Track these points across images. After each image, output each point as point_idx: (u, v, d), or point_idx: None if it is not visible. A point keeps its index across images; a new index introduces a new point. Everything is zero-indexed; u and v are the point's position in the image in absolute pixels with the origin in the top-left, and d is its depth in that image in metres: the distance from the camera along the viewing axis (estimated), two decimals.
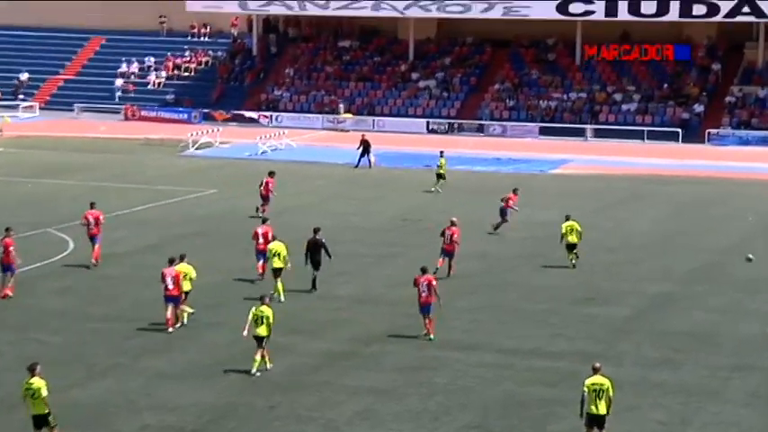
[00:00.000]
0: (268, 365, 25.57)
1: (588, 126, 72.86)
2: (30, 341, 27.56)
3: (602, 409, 20.43)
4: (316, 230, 33.11)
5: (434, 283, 27.91)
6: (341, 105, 77.84)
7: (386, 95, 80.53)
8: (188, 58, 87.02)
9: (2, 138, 69.11)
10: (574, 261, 36.06)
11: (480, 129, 74.61)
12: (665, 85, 76.09)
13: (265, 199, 44.33)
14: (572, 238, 36.16)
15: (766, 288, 33.83)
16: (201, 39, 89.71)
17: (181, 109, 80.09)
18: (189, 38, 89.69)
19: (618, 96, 75.86)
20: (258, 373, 25.26)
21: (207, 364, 25.98)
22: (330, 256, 32.78)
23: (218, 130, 68.56)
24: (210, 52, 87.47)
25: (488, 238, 40.74)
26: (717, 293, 33.20)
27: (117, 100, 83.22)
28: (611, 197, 50.61)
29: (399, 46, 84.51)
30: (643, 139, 70.56)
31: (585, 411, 20.51)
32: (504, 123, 74.84)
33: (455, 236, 34.49)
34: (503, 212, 41.96)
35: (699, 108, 73.39)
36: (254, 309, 25.78)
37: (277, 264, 31.48)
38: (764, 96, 73.39)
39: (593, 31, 77.40)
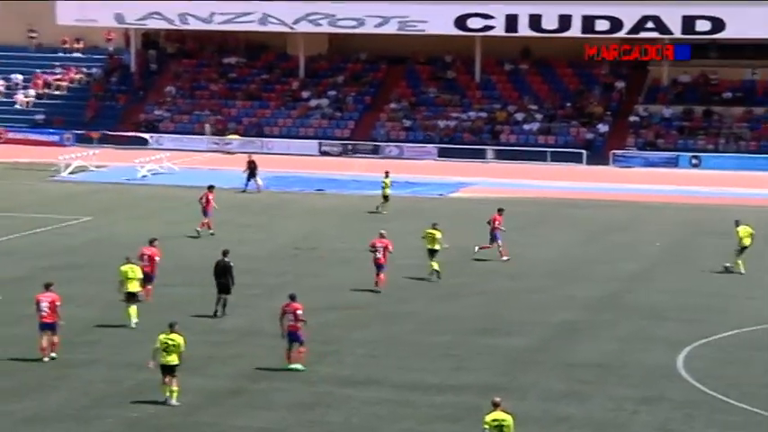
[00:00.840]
0: (174, 401, 25.41)
1: (489, 147, 73.63)
2: None
3: None
4: (225, 253, 33.89)
5: (300, 312, 28.19)
6: (206, 126, 77.37)
7: (275, 115, 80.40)
8: (59, 75, 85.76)
9: None
10: (435, 270, 38.49)
11: (375, 150, 74.89)
12: (568, 104, 77.36)
13: (206, 214, 46.37)
14: (431, 245, 38.81)
15: (674, 315, 34.50)
16: (74, 54, 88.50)
17: (52, 130, 78.84)
18: (60, 53, 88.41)
19: (519, 116, 76.85)
20: (176, 403, 25.32)
21: (82, 405, 25.50)
22: (233, 282, 33.30)
23: (92, 153, 67.65)
24: (84, 69, 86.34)
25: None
26: (623, 321, 33.75)
27: None
28: (513, 222, 50.98)
29: (289, 62, 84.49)
30: (546, 160, 71.57)
31: None
32: (401, 144, 75.25)
33: (389, 247, 37.17)
34: (493, 237, 42.78)
35: (603, 128, 74.75)
36: (162, 336, 25.69)
37: (133, 287, 31.83)
38: (670, 116, 75.06)
39: (493, 48, 78.40)
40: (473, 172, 67.08)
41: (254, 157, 59.99)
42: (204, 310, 33.80)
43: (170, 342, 25.60)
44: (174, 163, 67.04)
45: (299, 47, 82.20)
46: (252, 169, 58.33)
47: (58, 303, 28.59)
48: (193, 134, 77.88)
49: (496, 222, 43.16)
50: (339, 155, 74.49)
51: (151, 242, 35.85)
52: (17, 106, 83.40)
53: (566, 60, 79.88)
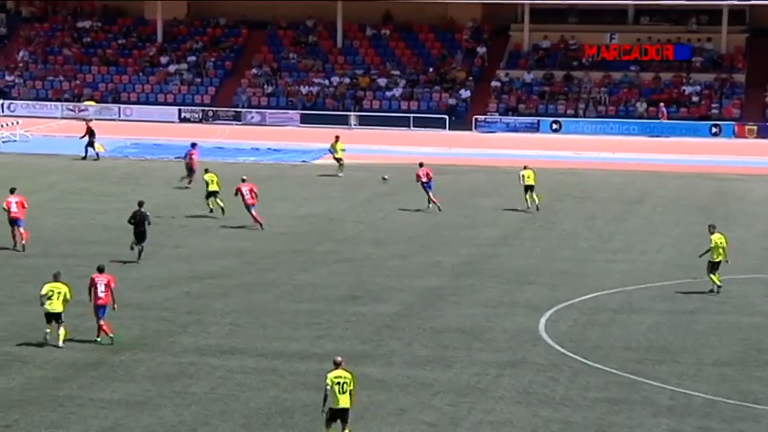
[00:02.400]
0: (60, 343, 26.98)
1: (352, 113, 73.81)
2: None
3: (346, 402, 21.49)
4: (140, 204, 36.99)
5: (113, 284, 27.99)
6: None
7: (132, 81, 79.23)
8: None
9: None
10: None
11: (237, 117, 74.48)
12: (431, 69, 77.91)
13: (191, 171, 49.67)
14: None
15: (536, 279, 35.15)
16: None
17: None
18: None
19: (382, 81, 77.14)
20: (62, 345, 26.90)
21: None
22: (150, 224, 36.58)
23: None
24: None
25: (246, 234, 40.66)
26: (487, 287, 34.25)
27: None
28: (377, 189, 51.41)
29: (146, 27, 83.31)
30: (409, 126, 72.07)
31: (328, 406, 21.38)
32: (263, 111, 74.98)
33: (254, 189, 41.00)
34: (425, 189, 46.00)
35: (465, 93, 75.54)
36: (47, 285, 27.34)
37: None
38: (531, 81, 76.19)
39: (355, 12, 78.45)
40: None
41: (92, 124, 59.07)
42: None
43: (54, 290, 27.20)
44: (27, 131, 65.59)
45: (157, 11, 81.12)
46: (91, 135, 57.64)
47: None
48: (47, 100, 76.31)
49: (422, 177, 45.90)
50: (199, 121, 73.81)
51: (12, 191, 38.02)
52: None
53: (428, 25, 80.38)
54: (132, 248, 36.34)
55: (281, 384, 25.33)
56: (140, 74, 79.64)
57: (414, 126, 72.00)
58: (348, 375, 21.64)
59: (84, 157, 57.09)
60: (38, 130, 66.94)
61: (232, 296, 32.64)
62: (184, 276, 34.53)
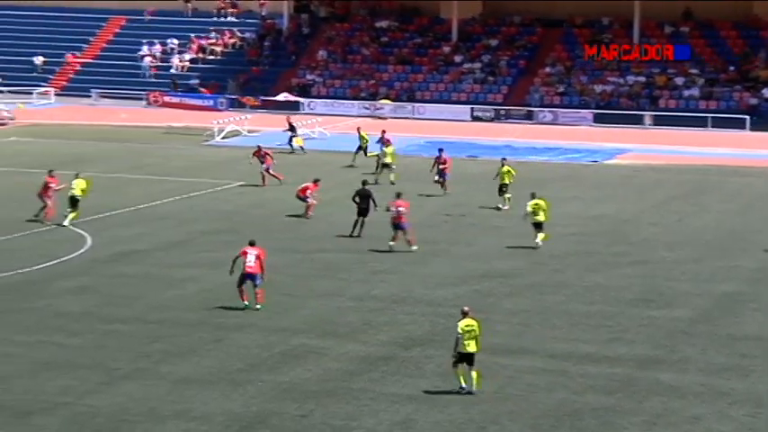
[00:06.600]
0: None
1: (647, 112, 72.45)
2: (46, 344, 27.74)
3: (473, 347, 24.31)
4: (364, 182, 40.42)
5: (263, 256, 30.51)
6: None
7: (427, 80, 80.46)
8: (214, 40, 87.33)
9: (15, 126, 69.69)
10: (539, 241, 37.97)
11: (529, 116, 74.39)
12: (732, 68, 75.52)
13: (442, 175, 48.28)
14: (540, 217, 38.10)
15: None
16: (228, 19, 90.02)
17: (206, 94, 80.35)
18: (215, 18, 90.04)
19: (679, 80, 75.39)
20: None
21: (235, 369, 26.05)
22: (376, 205, 39.36)
23: (245, 118, 68.70)
24: (238, 33, 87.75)
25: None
26: None
27: (147, 77, 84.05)
28: (672, 190, 50.28)
29: (442, 26, 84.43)
30: (707, 126, 70.03)
31: (458, 351, 24.23)
32: (556, 110, 74.60)
33: (402, 208, 37.70)
34: (441, 174, 47.78)
35: None
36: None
37: None
38: None
39: (653, 10, 76.98)
40: (630, 138, 66.13)
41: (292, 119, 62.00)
42: (358, 278, 34.24)
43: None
44: (325, 128, 67.73)
45: (453, 10, 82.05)
46: (291, 130, 60.13)
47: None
48: (345, 99, 78.53)
49: (444, 164, 47.84)
50: (491, 120, 74.18)
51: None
52: (173, 71, 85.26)
53: (730, 22, 77.95)
54: (352, 233, 38.92)
55: (570, 386, 25.14)
56: (435, 72, 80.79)
57: (712, 126, 69.91)
58: (475, 323, 24.46)
59: (292, 152, 59.07)
60: (334, 128, 68.94)
61: (522, 296, 32.63)
62: (474, 274, 34.77)
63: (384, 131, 54.97)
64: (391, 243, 37.33)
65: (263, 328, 29.10)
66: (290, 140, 60.15)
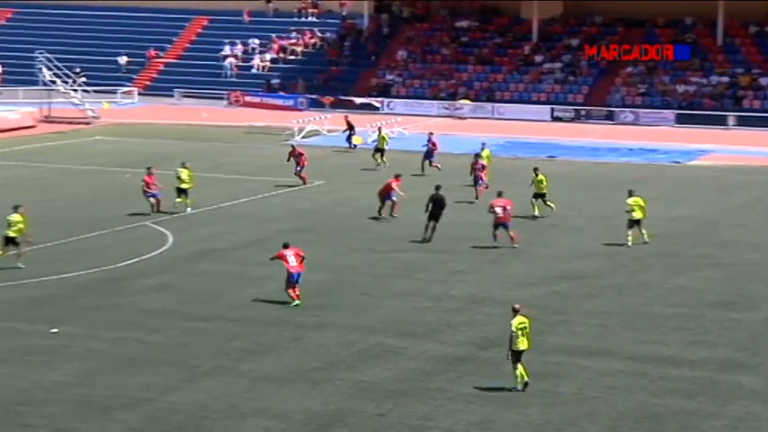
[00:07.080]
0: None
1: (730, 113, 71.52)
2: (128, 341, 28.10)
3: (525, 345, 24.42)
4: (437, 187, 39.70)
5: (301, 253, 31.05)
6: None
7: (507, 80, 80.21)
8: (295, 40, 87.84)
9: (99, 125, 70.69)
10: (646, 238, 38.11)
11: (610, 116, 73.85)
12: None
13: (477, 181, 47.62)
14: (636, 215, 38.12)
15: None
16: (309, 19, 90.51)
17: (287, 94, 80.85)
18: (296, 18, 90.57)
19: (764, 80, 74.36)
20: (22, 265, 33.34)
21: (313, 368, 26.18)
22: (445, 206, 39.03)
23: (325, 117, 69.00)
24: (319, 33, 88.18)
25: (617, 235, 40.09)
26: None
27: (228, 77, 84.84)
28: (756, 191, 49.62)
29: (522, 26, 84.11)
30: None
31: (512, 349, 24.29)
32: (637, 110, 73.96)
33: (502, 207, 37.72)
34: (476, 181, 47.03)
35: None
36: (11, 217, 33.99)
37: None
38: None
39: (737, 9, 76.00)
40: (713, 139, 65.36)
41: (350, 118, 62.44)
42: (436, 278, 34.25)
43: (13, 220, 34.17)
44: (404, 128, 67.80)
45: (533, 10, 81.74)
46: (350, 129, 60.88)
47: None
48: (425, 99, 78.53)
49: (478, 168, 47.07)
50: (571, 121, 73.73)
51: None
52: (254, 70, 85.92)
53: None
54: (424, 238, 38.62)
55: (650, 389, 24.92)
56: (515, 72, 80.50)
57: None
58: (527, 321, 24.58)
59: (353, 147, 60.48)
60: (414, 127, 68.96)
61: (602, 297, 32.39)
62: (554, 275, 34.59)
63: (431, 133, 55.60)
64: (494, 242, 37.84)
65: (342, 326, 29.23)
66: (349, 138, 61.17)
